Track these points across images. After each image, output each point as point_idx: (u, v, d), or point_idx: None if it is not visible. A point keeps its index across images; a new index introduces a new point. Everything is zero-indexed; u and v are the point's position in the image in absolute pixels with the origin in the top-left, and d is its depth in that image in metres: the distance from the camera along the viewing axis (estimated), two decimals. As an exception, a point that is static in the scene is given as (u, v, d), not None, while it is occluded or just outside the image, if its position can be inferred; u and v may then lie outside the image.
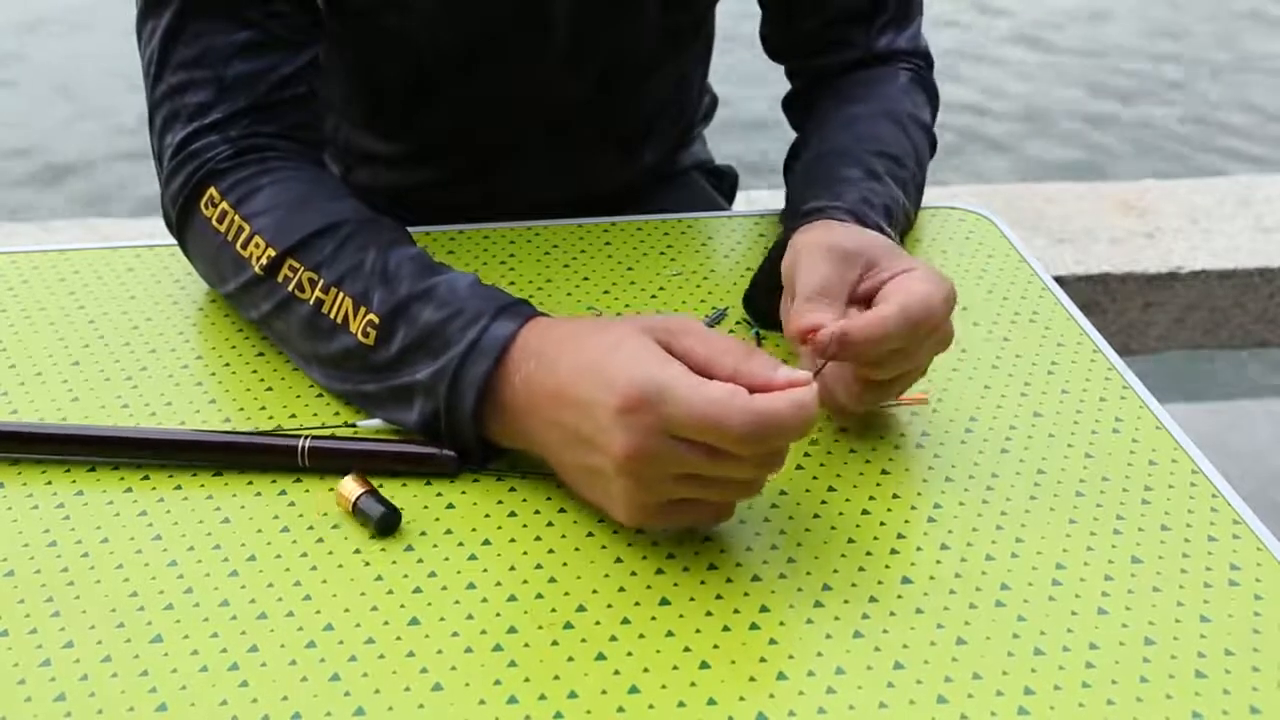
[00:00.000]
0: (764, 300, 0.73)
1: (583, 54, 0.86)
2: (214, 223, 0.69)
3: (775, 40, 0.90)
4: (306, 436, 0.62)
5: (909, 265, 0.64)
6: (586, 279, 0.80)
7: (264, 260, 0.67)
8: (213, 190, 0.70)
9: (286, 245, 0.66)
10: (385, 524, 0.58)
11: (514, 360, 0.59)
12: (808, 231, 0.68)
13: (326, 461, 0.62)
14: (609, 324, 0.58)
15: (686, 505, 0.56)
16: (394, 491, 0.61)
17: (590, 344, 0.57)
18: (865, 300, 0.64)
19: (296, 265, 0.66)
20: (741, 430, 0.52)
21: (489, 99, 0.87)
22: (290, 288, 0.66)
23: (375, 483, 0.60)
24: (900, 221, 0.77)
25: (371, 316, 0.63)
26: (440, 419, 0.61)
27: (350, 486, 0.59)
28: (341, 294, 0.64)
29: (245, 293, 0.69)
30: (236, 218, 0.68)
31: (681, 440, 0.53)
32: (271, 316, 0.68)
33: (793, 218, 0.73)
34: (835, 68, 0.86)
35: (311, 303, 0.65)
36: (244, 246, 0.68)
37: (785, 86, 0.91)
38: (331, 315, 0.64)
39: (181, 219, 0.72)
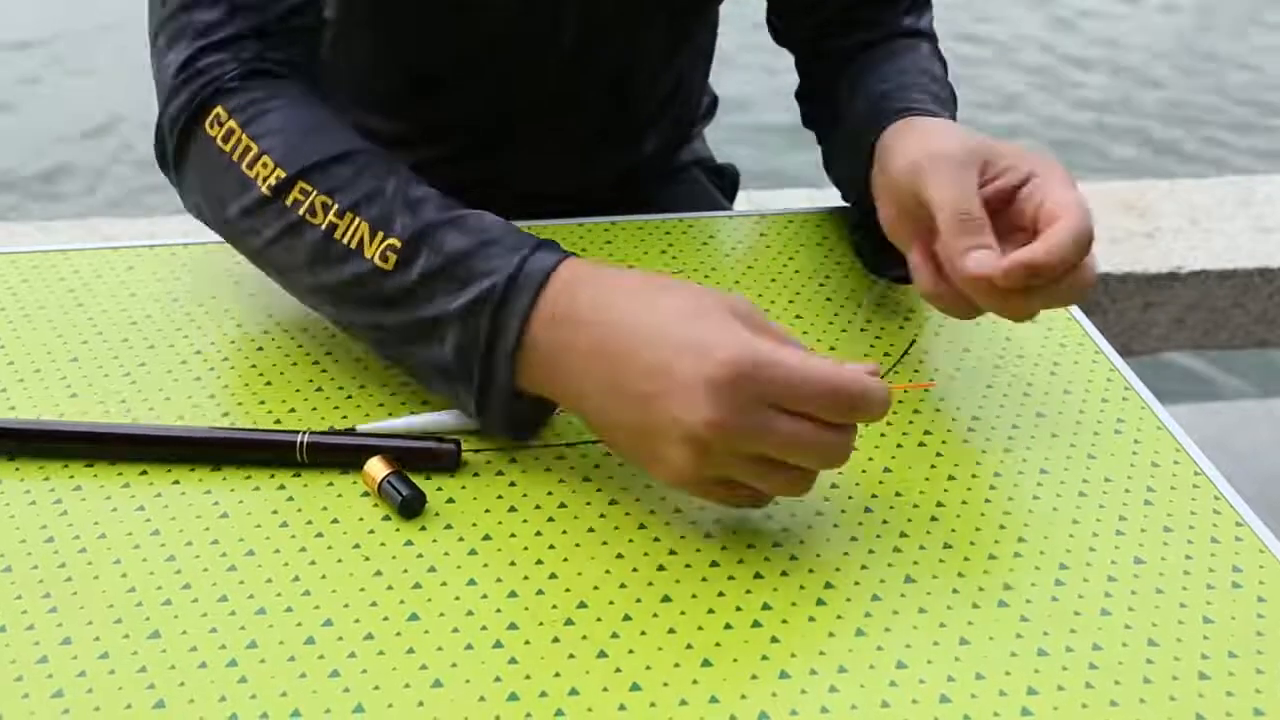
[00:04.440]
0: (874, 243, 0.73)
1: (591, 51, 0.86)
2: (218, 142, 0.65)
3: (791, 23, 0.90)
4: (305, 432, 0.62)
5: (1032, 165, 0.64)
6: (587, 276, 0.80)
7: (272, 181, 0.62)
8: (219, 109, 0.65)
9: (299, 167, 0.62)
10: (409, 508, 0.58)
11: (552, 296, 0.57)
12: (902, 136, 0.68)
13: (325, 457, 0.62)
14: (673, 284, 0.57)
15: (736, 486, 0.55)
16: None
17: (663, 304, 0.55)
18: (997, 204, 0.64)
19: (309, 188, 0.62)
20: (853, 392, 0.52)
21: (494, 91, 0.87)
22: (300, 211, 0.62)
23: (359, 514, 0.60)
24: None
25: (392, 241, 0.59)
26: (476, 353, 0.58)
27: (377, 467, 0.59)
28: (358, 219, 0.60)
29: (247, 217, 0.64)
30: (244, 137, 0.64)
31: (779, 413, 0.52)
32: (275, 244, 0.63)
33: (874, 121, 0.72)
34: (856, 48, 0.85)
35: (324, 227, 0.61)
36: (250, 167, 0.63)
37: None
38: (345, 241, 0.60)
39: (182, 141, 0.67)
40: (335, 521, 0.59)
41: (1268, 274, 1.64)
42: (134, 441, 0.63)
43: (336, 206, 0.61)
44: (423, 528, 0.59)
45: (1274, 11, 4.23)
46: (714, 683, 0.51)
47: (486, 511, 0.60)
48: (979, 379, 0.71)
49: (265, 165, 0.63)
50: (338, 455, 0.62)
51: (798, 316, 0.76)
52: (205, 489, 0.61)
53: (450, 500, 0.60)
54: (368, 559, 0.57)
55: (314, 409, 0.67)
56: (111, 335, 0.73)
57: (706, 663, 0.52)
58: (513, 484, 0.62)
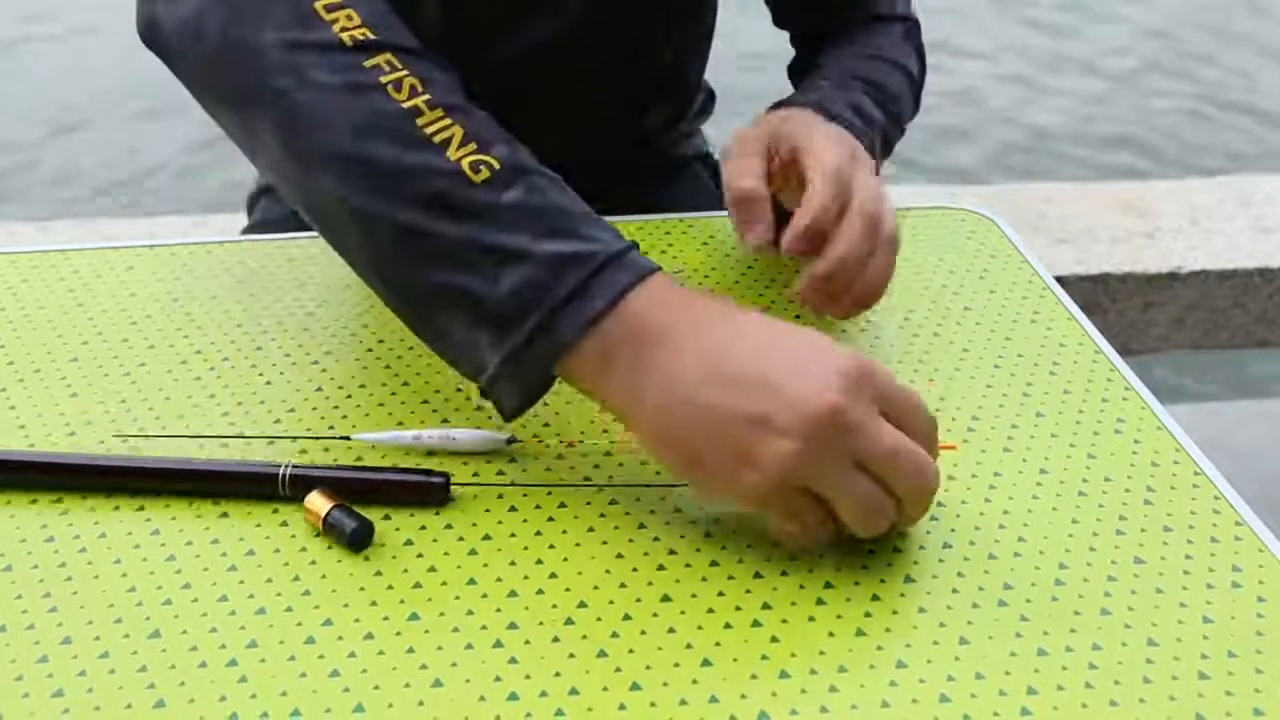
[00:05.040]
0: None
1: (601, 19, 0.88)
2: None
3: (784, 6, 0.96)
4: (288, 465, 0.59)
5: (796, 129, 0.70)
6: (587, 276, 0.80)
7: (356, 35, 0.54)
8: None
9: (392, 41, 0.54)
10: (357, 539, 0.56)
11: (658, 289, 0.54)
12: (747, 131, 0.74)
13: (309, 490, 0.59)
14: (764, 318, 0.56)
15: (814, 504, 0.53)
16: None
17: (765, 321, 0.55)
18: (783, 177, 0.71)
19: (399, 65, 0.54)
20: (930, 416, 0.54)
21: (502, 63, 0.88)
22: (383, 79, 0.53)
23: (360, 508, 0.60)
24: (867, 122, 0.81)
25: (490, 159, 0.53)
26: (544, 304, 0.52)
27: (319, 501, 0.57)
28: (451, 121, 0.53)
29: (297, 51, 0.54)
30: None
31: (886, 420, 0.52)
32: (322, 92, 0.53)
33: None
34: (838, 29, 0.92)
35: (406, 106, 0.53)
36: (328, 10, 0.54)
37: None
38: (428, 130, 0.53)
39: None
40: (335, 521, 0.59)
41: (1268, 274, 1.64)
42: (116, 474, 0.60)
43: (428, 97, 0.53)
44: (422, 527, 0.59)
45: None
46: (714, 682, 0.51)
47: (486, 511, 0.60)
48: (979, 379, 0.71)
49: (350, 17, 0.54)
50: (323, 486, 0.59)
51: (796, 317, 0.76)
52: (205, 489, 0.61)
53: (450, 499, 0.60)
54: (368, 558, 0.57)
55: (314, 409, 0.67)
56: (111, 335, 0.73)
57: (706, 663, 0.52)
58: (513, 484, 0.62)
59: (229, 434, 0.64)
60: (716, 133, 1.14)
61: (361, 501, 0.60)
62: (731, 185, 0.68)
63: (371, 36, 0.54)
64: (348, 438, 0.64)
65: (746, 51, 2.82)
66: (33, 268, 0.80)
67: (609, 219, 0.86)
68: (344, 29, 0.54)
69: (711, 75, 1.07)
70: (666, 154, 1.04)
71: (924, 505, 0.55)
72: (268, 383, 0.69)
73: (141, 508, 0.60)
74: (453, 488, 0.60)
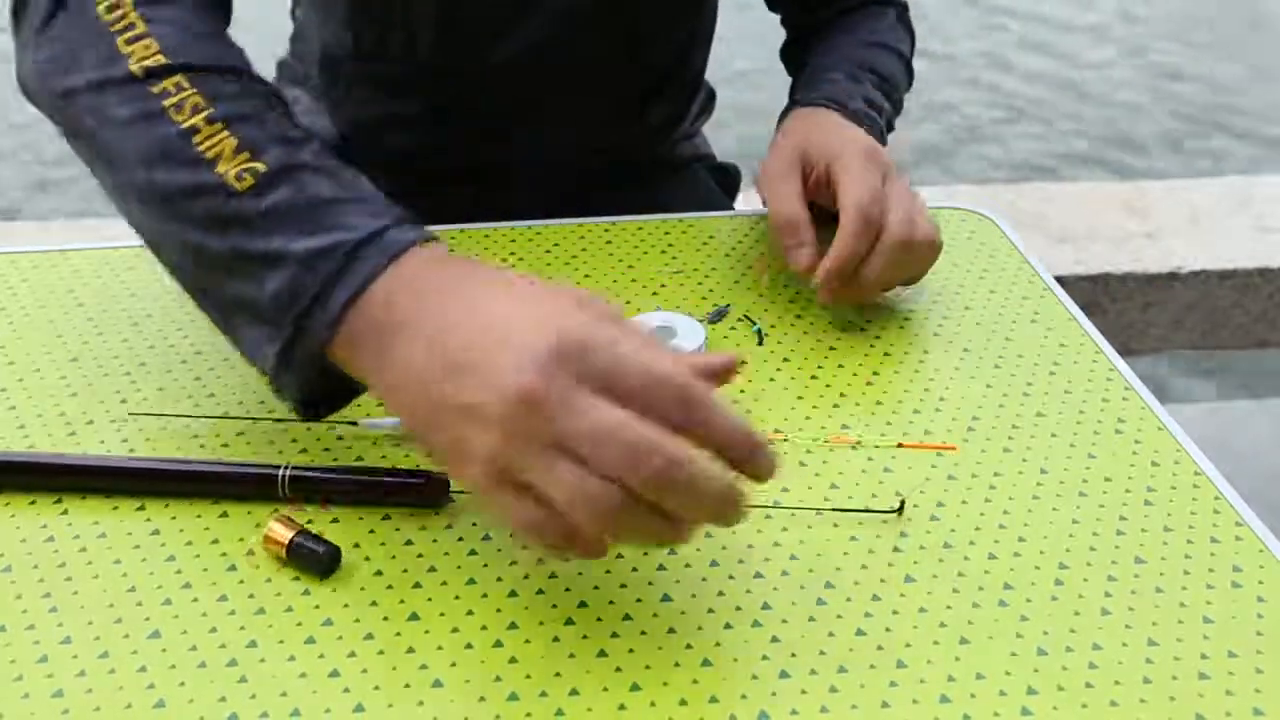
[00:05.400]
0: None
1: (606, 18, 0.88)
2: (100, 7, 0.59)
3: None
4: (288, 466, 0.59)
5: (832, 155, 0.74)
6: (588, 276, 0.80)
7: (149, 63, 0.57)
8: None
9: (184, 61, 0.57)
10: (325, 566, 0.55)
11: (408, 269, 0.53)
12: (784, 125, 0.81)
13: (308, 491, 0.59)
14: (532, 279, 0.53)
15: (532, 499, 0.47)
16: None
17: (515, 289, 0.51)
18: (817, 189, 0.75)
19: (186, 85, 0.57)
20: (678, 383, 0.46)
21: (502, 64, 0.88)
22: (166, 103, 0.56)
23: (358, 514, 0.60)
24: (879, 114, 0.85)
25: (256, 165, 0.55)
26: (301, 301, 0.53)
27: (279, 530, 0.56)
28: (226, 132, 0.55)
29: (98, 92, 0.58)
30: (133, 13, 0.59)
31: (601, 399, 0.46)
32: (119, 128, 0.57)
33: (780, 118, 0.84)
34: (831, 13, 0.95)
35: (184, 126, 0.56)
36: (128, 43, 0.58)
37: None
38: (201, 148, 0.55)
39: None
40: (335, 521, 0.59)
41: (1268, 274, 1.64)
42: (124, 474, 0.61)
43: (209, 113, 0.56)
44: (422, 527, 0.59)
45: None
46: (714, 683, 0.51)
47: (487, 511, 0.60)
48: (979, 379, 0.71)
49: (147, 46, 0.58)
50: (322, 489, 0.60)
51: (797, 316, 0.76)
52: (205, 489, 0.61)
53: (450, 499, 0.60)
54: (368, 558, 0.57)
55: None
56: (111, 335, 0.73)
57: (706, 662, 0.52)
58: (513, 484, 0.62)
59: (239, 415, 0.64)
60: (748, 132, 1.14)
61: (361, 502, 0.60)
62: (775, 211, 0.75)
63: (163, 61, 0.57)
64: (355, 423, 0.65)
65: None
66: (33, 268, 0.80)
67: (608, 220, 0.87)
68: (140, 59, 0.57)
69: (711, 75, 1.07)
70: (667, 155, 1.04)
71: (683, 497, 0.46)
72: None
73: (141, 507, 0.60)
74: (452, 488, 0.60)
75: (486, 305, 0.50)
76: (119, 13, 0.59)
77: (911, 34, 0.96)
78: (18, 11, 0.64)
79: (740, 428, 0.47)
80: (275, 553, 0.56)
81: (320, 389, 0.57)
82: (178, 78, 0.57)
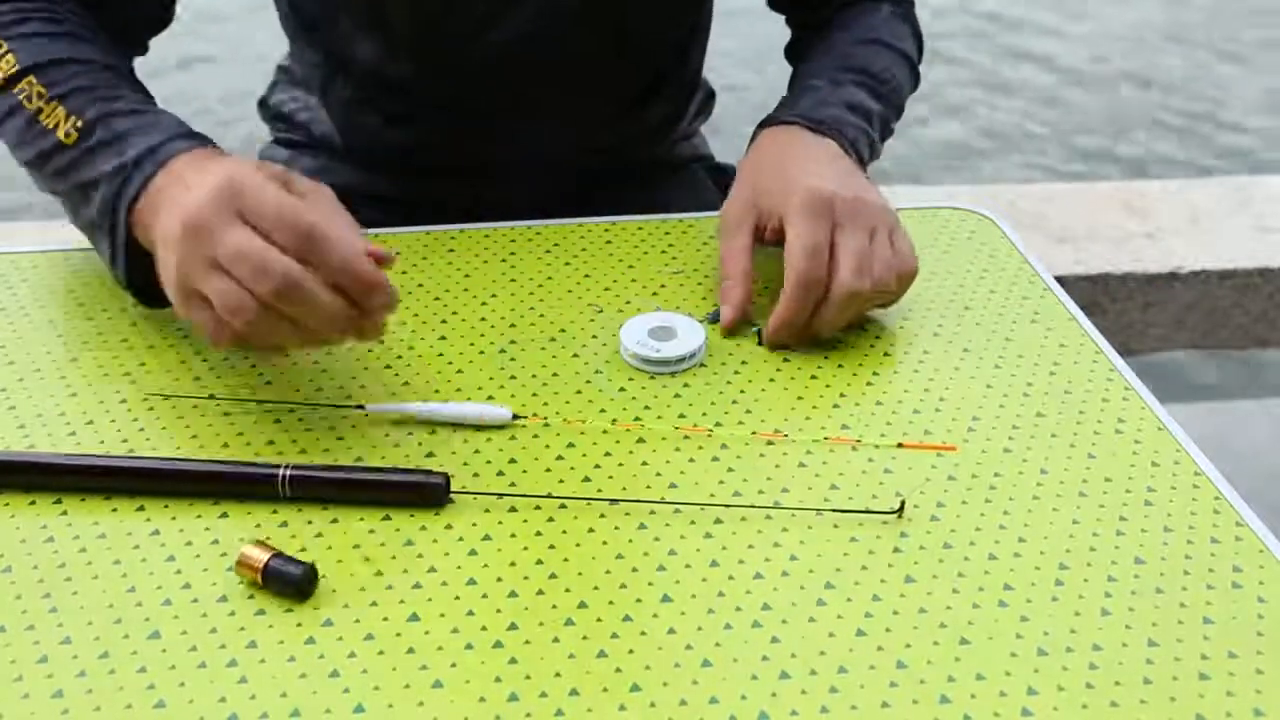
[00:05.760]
0: None
1: (593, 12, 0.88)
2: None
3: None
4: (287, 466, 0.60)
5: (783, 208, 0.73)
6: (588, 276, 0.80)
7: (7, 73, 0.72)
8: None
9: (31, 63, 0.72)
10: (301, 588, 0.54)
11: (177, 166, 0.66)
12: (749, 152, 0.81)
13: (308, 491, 0.60)
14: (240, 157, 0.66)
15: (205, 304, 0.60)
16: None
17: (226, 160, 0.65)
18: (775, 236, 0.75)
19: (34, 81, 0.72)
20: (297, 220, 0.59)
21: (490, 56, 0.89)
22: (20, 98, 0.72)
23: (358, 514, 0.60)
24: (863, 116, 0.85)
25: (78, 121, 0.70)
26: (110, 206, 0.67)
27: (254, 553, 0.55)
28: (61, 107, 0.70)
29: None
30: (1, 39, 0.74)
31: (242, 226, 0.59)
32: (2, 124, 0.73)
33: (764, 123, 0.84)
34: (830, 11, 0.95)
35: (32, 111, 0.71)
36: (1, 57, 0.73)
37: None
38: (45, 122, 0.71)
39: None
40: (335, 521, 0.59)
41: (1268, 274, 1.64)
42: (124, 474, 0.61)
43: (48, 94, 0.71)
44: (423, 527, 0.59)
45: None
46: (714, 683, 0.51)
47: (486, 512, 0.60)
48: (979, 379, 0.71)
49: (8, 61, 0.72)
50: (321, 489, 0.60)
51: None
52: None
53: (450, 500, 0.60)
54: (368, 559, 0.57)
55: (315, 408, 0.67)
56: (111, 335, 0.73)
57: (706, 663, 0.52)
58: (513, 484, 0.62)
59: (246, 398, 0.64)
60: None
61: (361, 502, 0.60)
62: (722, 262, 0.76)
63: (17, 69, 0.72)
64: (363, 406, 0.65)
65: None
66: (33, 268, 0.80)
67: (608, 220, 0.87)
68: (4, 72, 0.72)
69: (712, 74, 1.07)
70: (666, 155, 1.04)
71: (300, 308, 0.59)
72: (268, 382, 0.69)
73: (141, 508, 0.60)
74: (453, 487, 0.60)
75: (200, 171, 0.64)
76: None
77: (914, 27, 0.95)
78: None
79: (352, 267, 0.60)
80: (250, 578, 0.55)
81: (144, 271, 0.68)
82: (28, 77, 0.72)
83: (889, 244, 0.72)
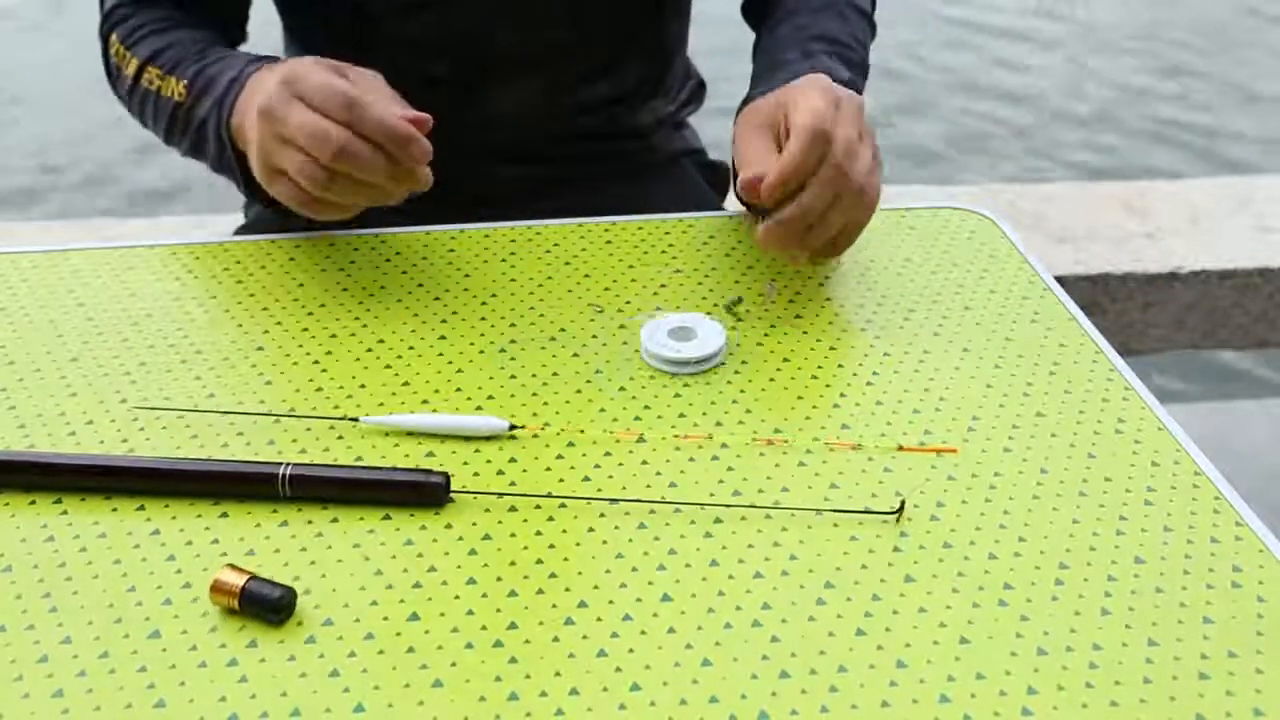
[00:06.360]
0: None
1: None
2: (114, 57, 0.90)
3: None
4: (288, 465, 0.60)
5: (794, 96, 0.73)
6: (588, 276, 0.80)
7: (134, 72, 0.87)
8: (114, 35, 0.90)
9: (146, 57, 0.86)
10: (278, 610, 0.53)
11: (246, 88, 0.77)
12: (741, 117, 0.80)
13: (308, 491, 0.60)
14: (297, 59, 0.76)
15: (288, 180, 0.71)
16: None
17: (287, 62, 0.76)
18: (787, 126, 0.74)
19: (150, 69, 0.86)
20: (335, 93, 0.68)
21: (476, 35, 0.92)
22: (145, 85, 0.86)
23: (358, 514, 0.60)
24: (838, 82, 0.84)
25: (183, 82, 0.83)
26: (214, 134, 0.79)
27: (230, 575, 0.54)
28: (172, 77, 0.84)
29: (129, 100, 0.89)
30: (123, 49, 0.88)
31: (305, 107, 0.69)
32: (142, 112, 0.88)
33: (753, 84, 0.85)
34: None
35: (156, 90, 0.85)
36: (126, 67, 0.88)
37: None
38: (167, 94, 0.84)
39: (106, 63, 0.92)
40: (335, 521, 0.59)
41: (1268, 274, 1.64)
42: (124, 474, 0.61)
43: (162, 73, 0.85)
44: (423, 527, 0.59)
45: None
46: (714, 682, 0.51)
47: (486, 511, 0.60)
48: (979, 379, 0.71)
49: (132, 64, 0.87)
50: (322, 488, 0.60)
51: (798, 316, 0.76)
52: (205, 489, 0.61)
53: (450, 499, 0.60)
54: (368, 558, 0.57)
55: (314, 408, 0.67)
56: (111, 335, 0.73)
57: (706, 662, 0.52)
58: (513, 484, 0.62)
59: (237, 410, 0.64)
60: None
61: (361, 501, 0.60)
62: (740, 153, 0.76)
63: (138, 64, 0.87)
64: (356, 419, 0.65)
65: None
66: (33, 268, 0.80)
67: (610, 220, 0.87)
68: (133, 73, 0.87)
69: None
70: (656, 147, 1.04)
71: (355, 164, 0.68)
72: (268, 382, 0.69)
73: (141, 507, 0.60)
74: (453, 487, 0.60)
75: (268, 78, 0.74)
76: (121, 53, 0.89)
77: None
78: (108, 77, 0.94)
79: (386, 124, 0.69)
80: (226, 604, 0.53)
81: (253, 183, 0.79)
82: (147, 68, 0.86)
83: (871, 153, 0.74)
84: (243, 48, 0.93)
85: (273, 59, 0.81)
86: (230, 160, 0.80)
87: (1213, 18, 4.14)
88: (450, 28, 0.92)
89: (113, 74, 0.92)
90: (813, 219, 0.71)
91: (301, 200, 0.72)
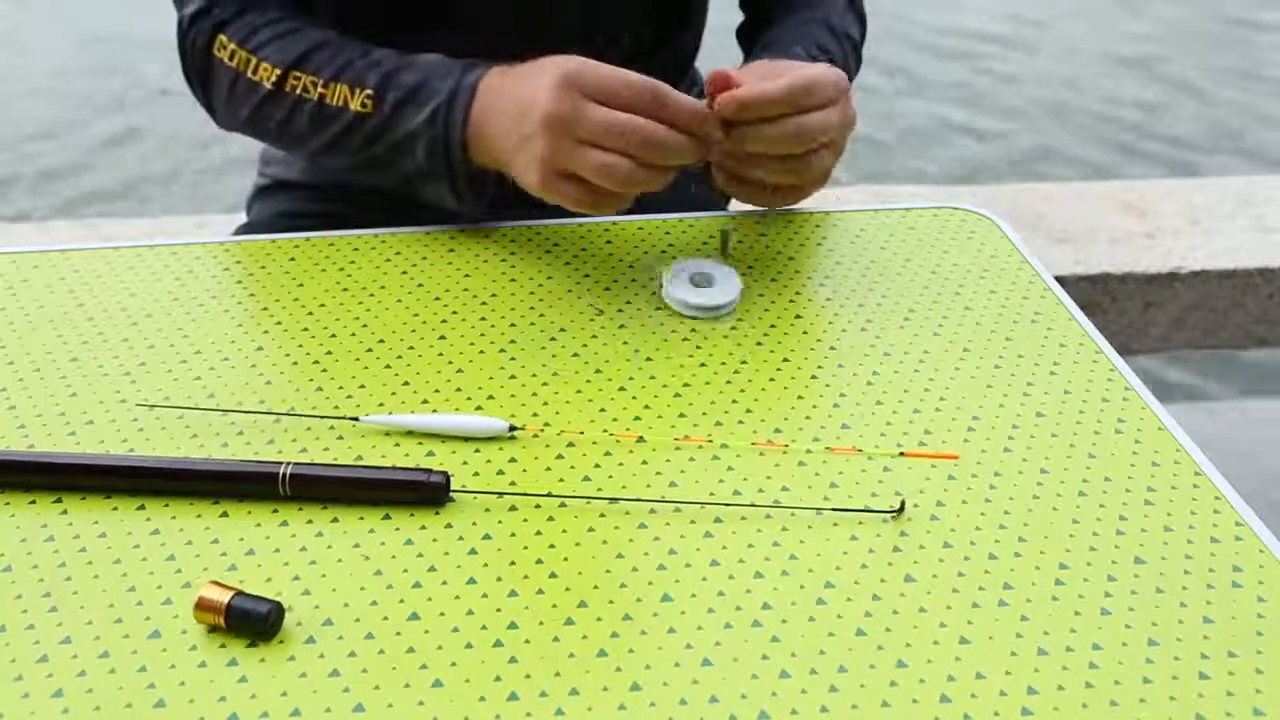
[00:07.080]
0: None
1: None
2: (226, 61, 0.83)
3: None
4: (288, 465, 0.60)
5: (813, 64, 0.75)
6: (588, 276, 0.80)
7: (273, 78, 0.81)
8: (222, 37, 0.84)
9: (289, 61, 0.81)
10: (266, 625, 0.52)
11: (483, 91, 0.76)
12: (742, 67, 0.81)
13: (308, 490, 0.60)
14: (533, 62, 0.74)
15: (578, 183, 0.71)
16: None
17: (546, 63, 0.72)
18: None
19: (300, 75, 0.80)
20: (644, 87, 0.69)
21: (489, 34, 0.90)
22: (298, 93, 0.80)
23: (358, 514, 0.60)
24: None
25: (367, 91, 0.79)
26: (441, 147, 0.77)
27: (215, 592, 0.53)
28: (342, 85, 0.79)
29: (260, 110, 0.83)
30: (242, 53, 0.82)
31: (598, 106, 0.68)
32: (286, 122, 0.82)
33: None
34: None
35: (316, 99, 0.80)
36: (254, 73, 0.82)
37: None
38: (334, 103, 0.79)
39: (203, 69, 0.86)
40: (335, 520, 0.59)
41: (1268, 274, 1.64)
42: (124, 474, 0.61)
43: (322, 80, 0.80)
44: (423, 527, 0.59)
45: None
46: (714, 682, 0.51)
47: (486, 511, 0.60)
48: (979, 379, 0.71)
49: (265, 69, 0.81)
50: (324, 488, 0.60)
51: (798, 316, 0.76)
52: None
53: (450, 499, 0.60)
54: (367, 558, 0.57)
55: (314, 408, 0.67)
56: (111, 335, 0.73)
57: (706, 662, 0.52)
58: (513, 483, 0.62)
59: (237, 410, 0.64)
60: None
61: (361, 501, 0.60)
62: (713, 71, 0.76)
63: (280, 72, 0.81)
64: (356, 419, 0.65)
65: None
66: (33, 268, 0.80)
67: (610, 220, 0.87)
68: (267, 79, 0.82)
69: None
70: None
71: (659, 152, 0.69)
72: (268, 382, 0.69)
73: (141, 507, 0.60)
74: (453, 486, 0.60)
75: (519, 82, 0.74)
76: (238, 57, 0.83)
77: (861, 18, 0.96)
78: (189, 81, 0.89)
79: (693, 109, 0.70)
80: (211, 621, 0.52)
81: (484, 186, 0.80)
82: (292, 74, 0.81)
83: (835, 152, 0.77)
84: None
85: (475, 62, 0.78)
86: (460, 174, 0.78)
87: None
88: (461, 49, 0.90)
89: (218, 80, 0.85)
90: (757, 150, 0.74)
91: (593, 200, 0.71)
